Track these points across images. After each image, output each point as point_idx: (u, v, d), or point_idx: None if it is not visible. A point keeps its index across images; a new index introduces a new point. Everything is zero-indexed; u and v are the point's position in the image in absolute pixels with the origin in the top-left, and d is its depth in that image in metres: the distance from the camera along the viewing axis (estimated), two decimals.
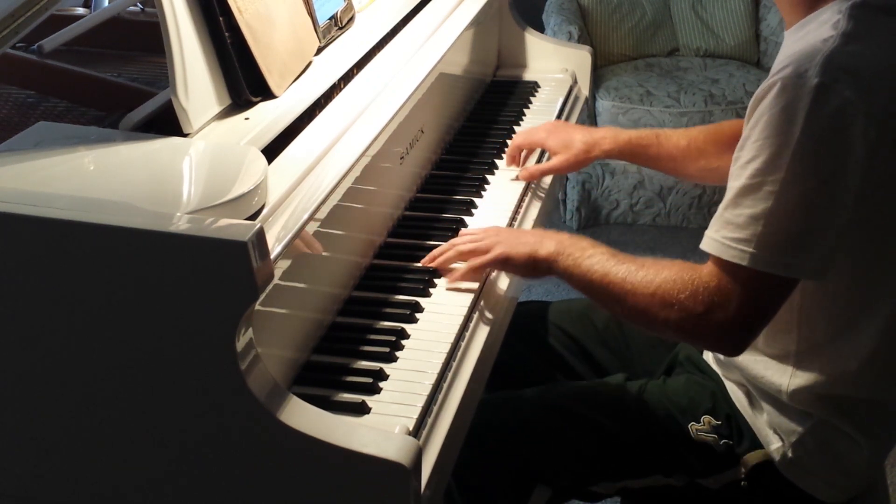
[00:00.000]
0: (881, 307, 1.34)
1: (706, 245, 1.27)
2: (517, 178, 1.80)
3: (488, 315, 1.47)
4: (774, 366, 1.39)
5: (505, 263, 1.47)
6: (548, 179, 1.85)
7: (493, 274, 1.54)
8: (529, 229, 1.57)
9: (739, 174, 1.24)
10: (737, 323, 1.25)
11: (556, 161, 1.76)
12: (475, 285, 1.48)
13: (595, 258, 1.36)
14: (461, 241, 1.51)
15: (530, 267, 1.44)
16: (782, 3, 1.36)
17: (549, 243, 1.42)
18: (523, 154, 1.84)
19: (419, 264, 1.52)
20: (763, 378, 1.40)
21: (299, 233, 1.23)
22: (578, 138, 1.76)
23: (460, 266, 1.49)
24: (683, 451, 1.47)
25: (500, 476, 1.53)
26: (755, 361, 1.41)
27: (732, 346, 1.31)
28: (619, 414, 1.51)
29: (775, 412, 1.42)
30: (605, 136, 1.76)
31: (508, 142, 1.95)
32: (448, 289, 1.47)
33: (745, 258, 1.22)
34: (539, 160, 1.87)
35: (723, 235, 1.24)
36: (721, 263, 1.25)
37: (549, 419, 1.53)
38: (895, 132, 1.23)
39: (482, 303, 1.47)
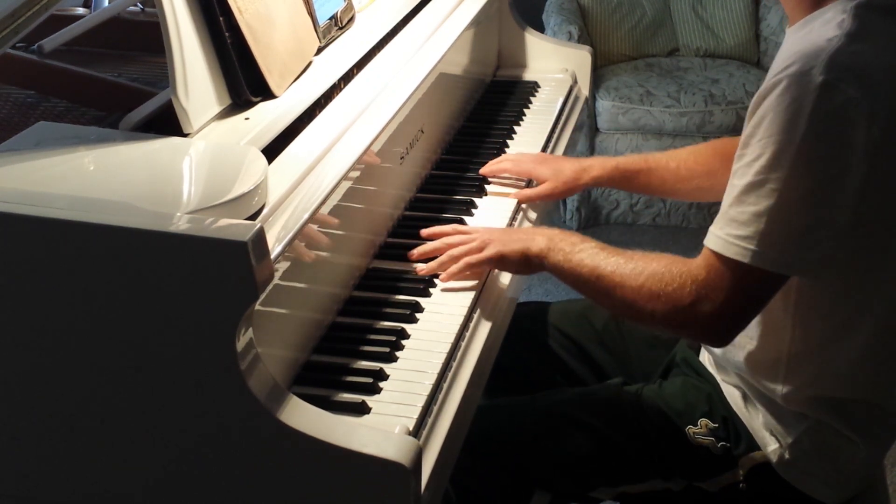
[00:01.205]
0: (875, 308, 1.34)
1: (710, 241, 1.27)
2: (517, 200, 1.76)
3: (488, 315, 1.46)
4: (768, 367, 1.39)
5: (500, 262, 1.48)
6: None
7: (493, 273, 1.54)
8: (520, 228, 1.58)
9: (744, 172, 1.24)
10: (724, 315, 1.27)
11: (545, 187, 1.75)
12: (472, 283, 1.48)
13: (585, 252, 1.38)
14: (454, 246, 1.50)
15: (524, 263, 1.46)
16: (787, 0, 1.36)
17: (541, 239, 1.44)
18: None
19: (415, 268, 1.51)
20: (757, 379, 1.41)
21: (299, 232, 1.23)
22: (567, 166, 1.77)
23: (453, 267, 1.48)
24: (681, 454, 1.47)
25: (498, 482, 1.53)
26: (749, 363, 1.41)
27: (718, 337, 1.32)
28: (616, 419, 1.51)
29: (771, 414, 1.42)
30: (594, 163, 1.77)
31: (509, 142, 1.95)
32: (442, 289, 1.47)
33: (748, 255, 1.23)
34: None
35: (726, 232, 1.25)
36: (718, 258, 1.26)
37: (546, 425, 1.53)
38: None
39: (482, 303, 1.47)
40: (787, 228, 1.22)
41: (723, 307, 1.26)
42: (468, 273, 1.48)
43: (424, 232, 1.56)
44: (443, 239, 1.53)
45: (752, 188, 1.23)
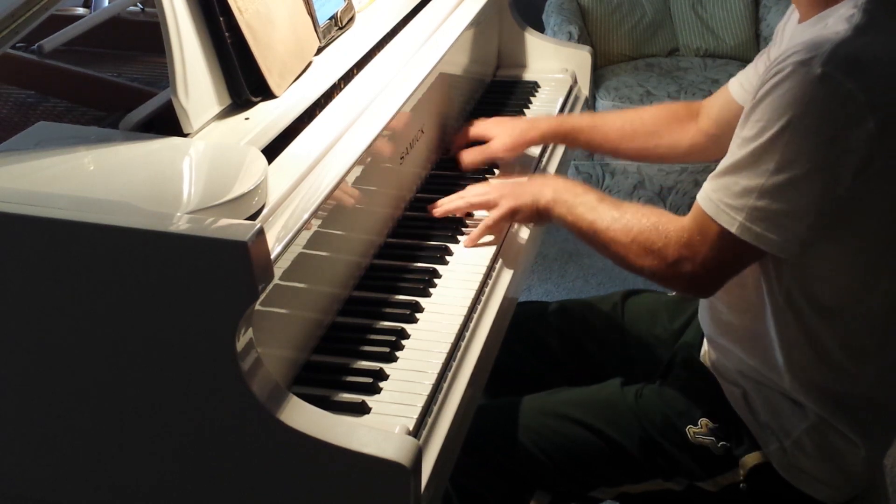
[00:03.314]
0: (873, 299, 1.35)
1: (703, 200, 1.32)
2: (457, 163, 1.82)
3: (488, 315, 1.46)
4: (764, 352, 1.39)
5: (514, 215, 1.56)
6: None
7: (494, 272, 1.54)
8: (530, 179, 1.64)
9: (742, 144, 1.28)
10: (705, 274, 1.33)
11: (495, 143, 1.79)
12: (473, 282, 1.48)
13: (585, 205, 1.45)
14: (471, 195, 1.61)
15: (535, 215, 1.54)
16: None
17: (548, 191, 1.52)
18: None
19: (428, 212, 1.63)
20: (759, 364, 1.41)
21: (299, 232, 1.23)
22: (519, 123, 1.83)
23: (473, 231, 1.59)
24: (682, 454, 1.47)
25: (498, 482, 1.53)
26: (752, 354, 1.41)
27: (701, 292, 1.41)
28: (617, 419, 1.51)
29: (772, 413, 1.42)
30: (542, 120, 1.83)
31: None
32: (466, 246, 1.57)
33: (734, 225, 1.28)
34: None
35: (718, 197, 1.29)
36: (707, 218, 1.31)
37: (546, 425, 1.53)
38: None
39: (482, 303, 1.47)
40: (772, 208, 1.25)
41: (704, 266, 1.32)
42: (491, 236, 1.58)
43: (434, 209, 1.64)
44: (459, 193, 1.63)
45: (746, 164, 1.27)
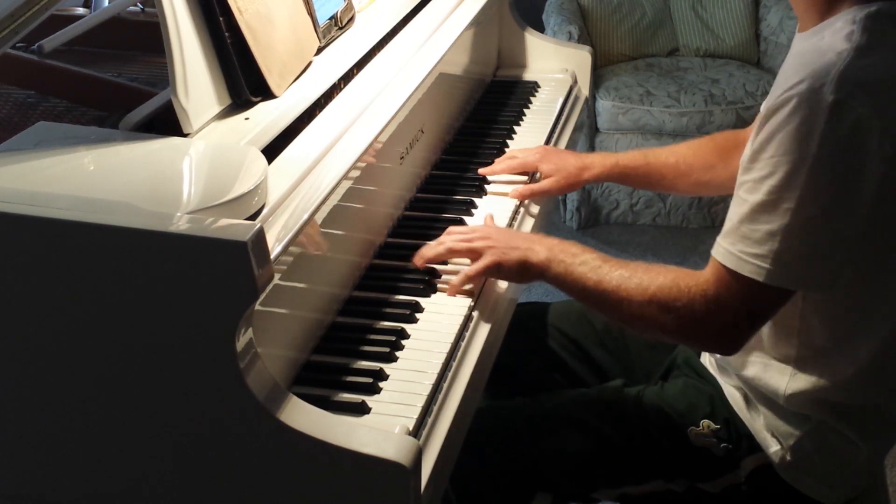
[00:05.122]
0: (881, 317, 1.34)
1: (722, 257, 1.27)
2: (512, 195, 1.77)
3: (488, 315, 1.46)
4: (774, 368, 1.39)
5: (497, 270, 1.46)
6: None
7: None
8: (519, 232, 1.58)
9: (755, 188, 1.24)
10: (734, 329, 1.29)
11: (548, 183, 1.76)
12: (471, 288, 1.48)
13: (587, 265, 1.37)
14: (452, 241, 1.51)
15: (522, 273, 1.45)
16: (798, 6, 1.35)
17: (540, 249, 1.43)
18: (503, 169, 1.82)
19: (412, 264, 1.51)
20: (761, 380, 1.40)
21: (299, 233, 1.23)
22: (571, 161, 1.78)
23: (454, 279, 1.47)
24: (683, 455, 1.47)
25: (498, 483, 1.53)
26: (754, 364, 1.41)
27: (728, 348, 1.33)
28: (618, 420, 1.51)
29: (773, 415, 1.42)
30: (595, 161, 1.78)
31: (509, 142, 1.95)
32: (448, 294, 1.47)
33: (762, 274, 1.23)
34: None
35: (739, 249, 1.25)
36: (730, 273, 1.26)
37: (547, 426, 1.52)
38: None
39: (482, 303, 1.47)
40: (802, 247, 1.22)
41: (733, 321, 1.27)
42: (467, 282, 1.47)
43: (418, 261, 1.51)
44: (440, 239, 1.52)
45: (764, 207, 1.23)
